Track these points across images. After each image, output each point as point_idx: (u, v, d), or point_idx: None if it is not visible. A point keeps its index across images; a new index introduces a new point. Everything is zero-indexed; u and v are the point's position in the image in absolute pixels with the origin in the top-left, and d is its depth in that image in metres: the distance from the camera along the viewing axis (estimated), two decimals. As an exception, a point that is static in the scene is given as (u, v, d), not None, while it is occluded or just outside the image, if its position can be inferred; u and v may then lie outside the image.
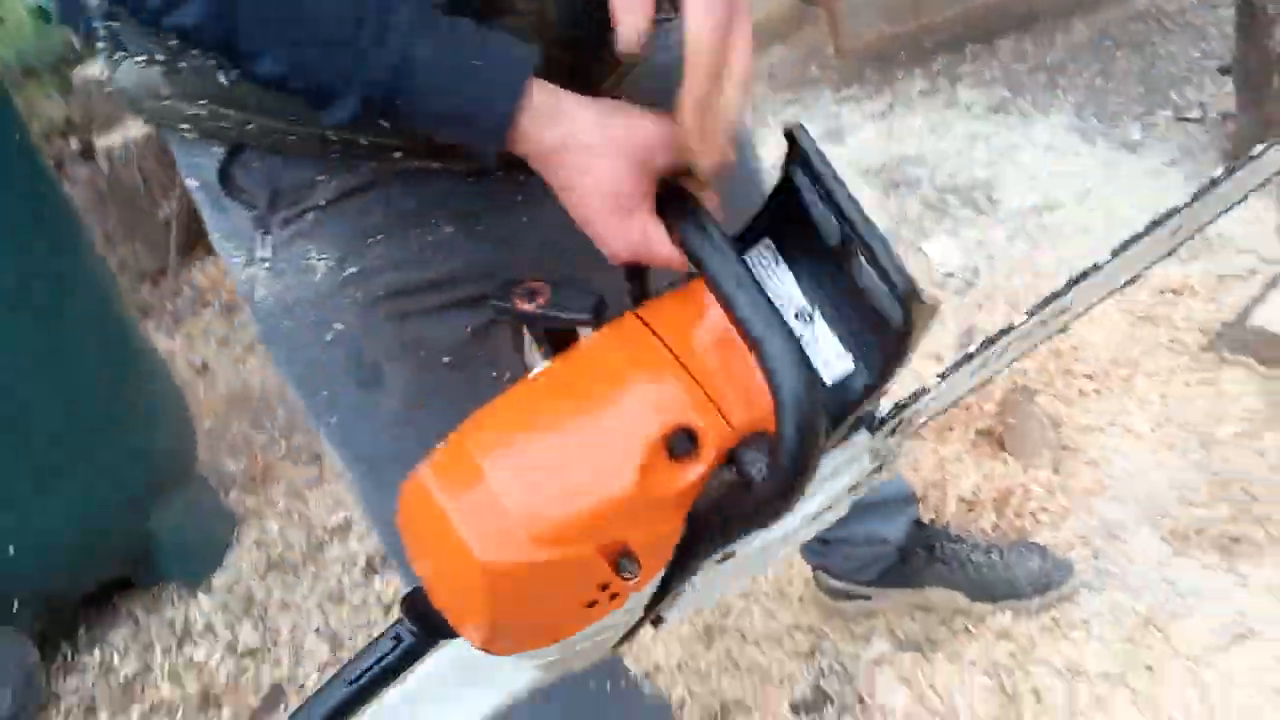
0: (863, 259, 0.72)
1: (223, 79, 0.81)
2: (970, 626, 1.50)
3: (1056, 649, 1.43)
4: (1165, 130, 2.64)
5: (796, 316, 0.77)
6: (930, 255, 2.38)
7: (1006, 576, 1.48)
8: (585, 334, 0.78)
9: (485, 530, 0.69)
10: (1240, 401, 1.73)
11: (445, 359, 0.95)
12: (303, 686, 1.81)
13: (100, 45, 0.87)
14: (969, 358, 0.94)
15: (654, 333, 0.74)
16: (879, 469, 0.88)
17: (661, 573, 0.76)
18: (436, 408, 0.90)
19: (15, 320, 1.82)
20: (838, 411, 0.75)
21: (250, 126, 0.83)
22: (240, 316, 3.33)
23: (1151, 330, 1.95)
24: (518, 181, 0.87)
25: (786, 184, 0.76)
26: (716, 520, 0.74)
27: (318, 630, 1.93)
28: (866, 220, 0.71)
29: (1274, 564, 1.45)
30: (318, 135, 0.82)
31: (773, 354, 0.67)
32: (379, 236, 0.88)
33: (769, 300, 0.70)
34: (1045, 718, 1.35)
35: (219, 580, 2.15)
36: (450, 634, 0.79)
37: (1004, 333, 0.95)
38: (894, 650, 1.51)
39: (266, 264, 0.89)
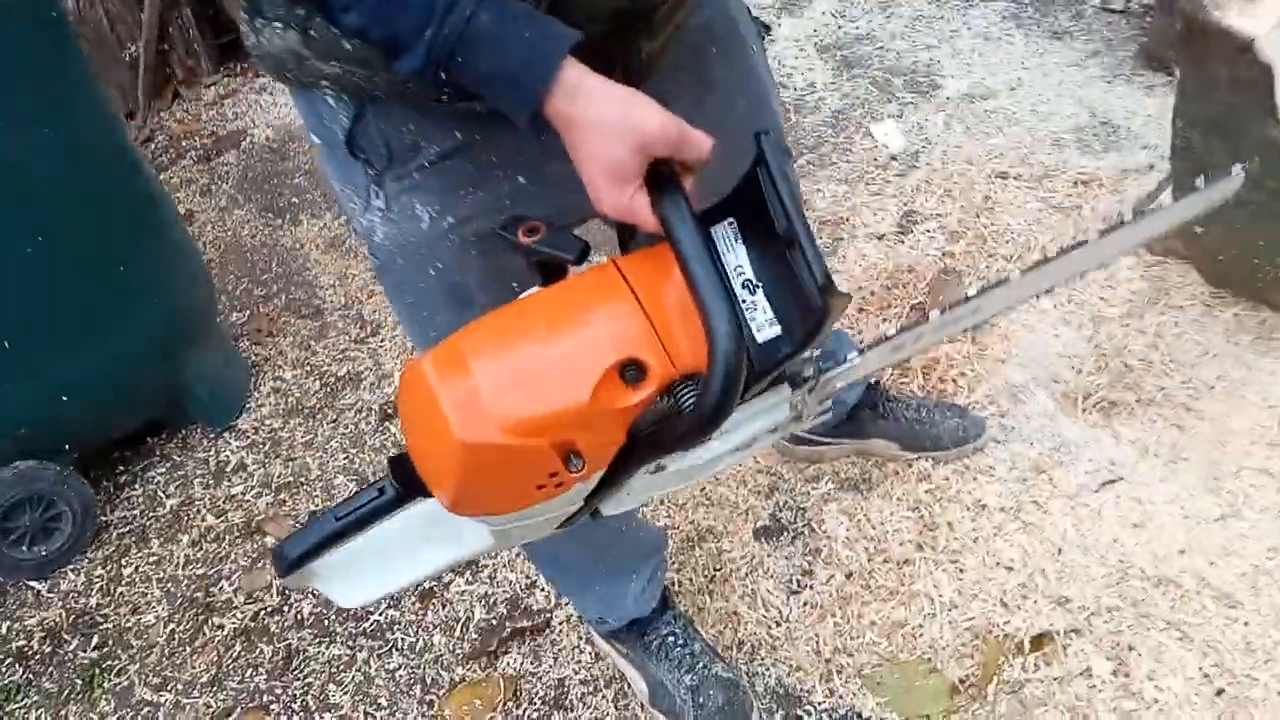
0: (798, 252, 0.85)
1: (345, 43, 0.97)
2: (898, 470, 1.86)
3: (966, 489, 1.79)
4: (1091, 20, 2.88)
5: (744, 285, 0.90)
6: (877, 138, 2.64)
7: (933, 432, 1.82)
8: (573, 272, 0.92)
9: (464, 414, 0.84)
10: (1128, 285, 2.07)
11: (514, 284, 1.20)
12: (338, 517, 2.11)
13: (243, 14, 1.05)
14: (886, 339, 1.12)
15: (626, 281, 0.88)
16: (797, 418, 1.04)
17: (601, 472, 0.91)
18: None
19: (62, 184, 2.00)
20: (763, 367, 0.89)
21: (377, 79, 0.99)
22: (222, 164, 3.47)
23: (1062, 218, 2.27)
24: None
25: (752, 176, 0.89)
26: (651, 438, 0.89)
27: (344, 468, 2.23)
28: (801, 218, 0.85)
29: (1141, 424, 1.81)
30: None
31: (713, 312, 0.82)
32: (470, 189, 1.10)
33: (719, 270, 0.84)
34: (956, 542, 1.72)
35: (243, 424, 2.41)
36: (425, 494, 0.94)
37: (918, 324, 1.13)
38: (837, 490, 1.87)
39: (380, 212, 1.11)
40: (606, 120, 0.87)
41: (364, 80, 1.00)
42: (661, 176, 0.88)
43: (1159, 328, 1.95)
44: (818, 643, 1.65)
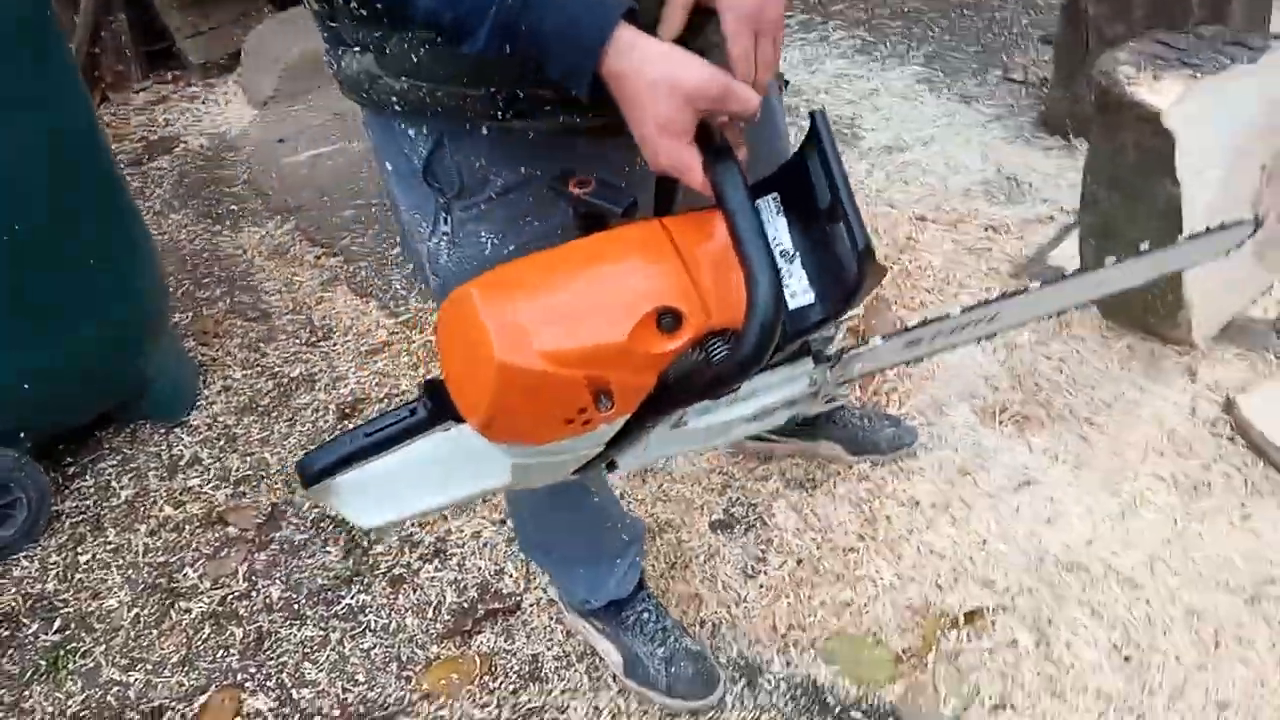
0: (840, 223, 0.92)
1: (414, 57, 1.06)
2: (840, 471, 2.05)
3: (901, 487, 2.00)
4: (995, 87, 3.22)
5: (782, 255, 0.96)
6: (807, 179, 2.87)
7: (874, 438, 2.02)
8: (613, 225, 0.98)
9: (507, 337, 0.88)
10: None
11: None
12: (302, 509, 2.18)
13: (325, 45, 1.15)
14: (907, 330, 1.22)
15: (670, 236, 0.94)
16: (814, 395, 1.13)
17: (626, 417, 0.96)
18: None
19: (42, 169, 2.02)
20: (793, 331, 0.94)
21: (439, 93, 1.08)
22: (155, 168, 3.47)
23: (975, 259, 2.53)
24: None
25: (801, 155, 0.96)
26: (681, 383, 0.94)
27: (305, 463, 2.28)
28: (849, 190, 0.91)
29: (1050, 435, 2.06)
30: (484, 96, 1.07)
31: (756, 268, 0.87)
32: (528, 219, 1.20)
33: (764, 234, 0.89)
34: (894, 533, 1.91)
35: (195, 420, 2.44)
36: (455, 418, 0.98)
37: (938, 320, 1.23)
38: (785, 487, 2.05)
39: (446, 237, 1.22)
40: (656, 75, 0.92)
41: (427, 94, 1.09)
42: (715, 144, 0.94)
43: (1063, 354, 2.21)
44: (774, 620, 1.81)
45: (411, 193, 1.23)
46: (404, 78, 1.10)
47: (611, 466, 1.11)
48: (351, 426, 1.10)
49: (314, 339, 2.64)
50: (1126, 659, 1.67)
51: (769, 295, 0.87)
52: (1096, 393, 2.12)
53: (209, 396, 2.50)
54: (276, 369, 2.56)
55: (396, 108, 1.13)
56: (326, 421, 2.39)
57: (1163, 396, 2.08)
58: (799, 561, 1.90)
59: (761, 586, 1.87)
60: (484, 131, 1.14)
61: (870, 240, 0.91)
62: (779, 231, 0.97)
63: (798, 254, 0.97)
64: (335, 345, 2.61)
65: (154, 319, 2.35)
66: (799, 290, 0.96)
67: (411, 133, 1.17)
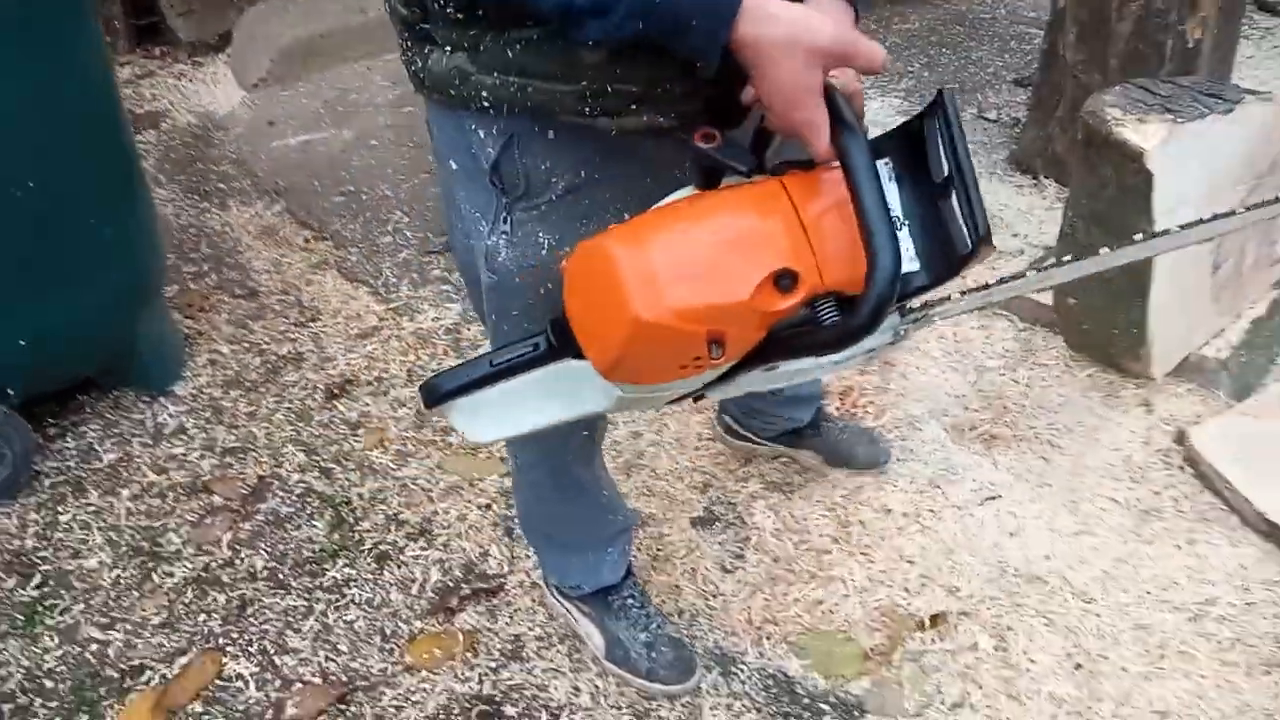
0: (954, 198, 0.96)
1: (509, 53, 1.10)
2: (816, 477, 2.14)
3: (875, 496, 2.09)
4: (970, 125, 3.35)
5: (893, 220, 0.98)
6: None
7: (851, 452, 2.11)
8: (729, 182, 1.02)
9: (643, 294, 0.95)
10: (1003, 344, 2.46)
11: None
12: (289, 482, 2.21)
13: (408, 45, 1.20)
14: (985, 287, 1.33)
15: (791, 200, 0.98)
16: (893, 343, 1.17)
17: (733, 363, 1.03)
18: None
19: (61, 121, 2.03)
20: (898, 295, 0.98)
21: (530, 88, 1.12)
22: (140, 141, 3.46)
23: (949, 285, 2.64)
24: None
25: (915, 126, 0.99)
26: (789, 341, 1.01)
27: (291, 438, 2.32)
28: (971, 168, 0.95)
29: (1015, 454, 2.17)
30: (575, 92, 1.11)
31: (879, 243, 0.92)
32: (584, 222, 1.24)
33: (888, 206, 0.93)
34: (867, 538, 2.01)
35: (180, 390, 2.46)
36: (575, 355, 1.07)
37: (1014, 277, 1.37)
38: (764, 489, 2.13)
39: (505, 236, 1.27)
40: (785, 36, 0.97)
41: (519, 90, 1.13)
42: (839, 110, 0.98)
43: (1029, 379, 2.33)
44: (749, 614, 1.89)
45: (474, 191, 1.28)
46: (496, 73, 1.13)
47: (699, 398, 1.18)
48: (474, 356, 1.21)
49: (303, 319, 2.68)
50: (1078, 666, 1.78)
51: (889, 271, 0.92)
52: (1059, 417, 2.23)
53: (194, 369, 2.52)
54: (264, 346, 2.59)
55: (484, 103, 1.16)
56: (315, 400, 2.42)
57: (1120, 425, 2.20)
58: (775, 560, 1.98)
59: (739, 581, 1.95)
60: (550, 135, 1.18)
61: (989, 225, 0.96)
62: (891, 198, 1.00)
63: (906, 222, 1.01)
64: (324, 326, 2.65)
65: (150, 282, 2.36)
66: (906, 256, 1.00)
67: (482, 133, 1.21)
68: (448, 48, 1.16)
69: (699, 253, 0.98)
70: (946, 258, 1.00)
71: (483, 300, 1.39)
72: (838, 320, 0.98)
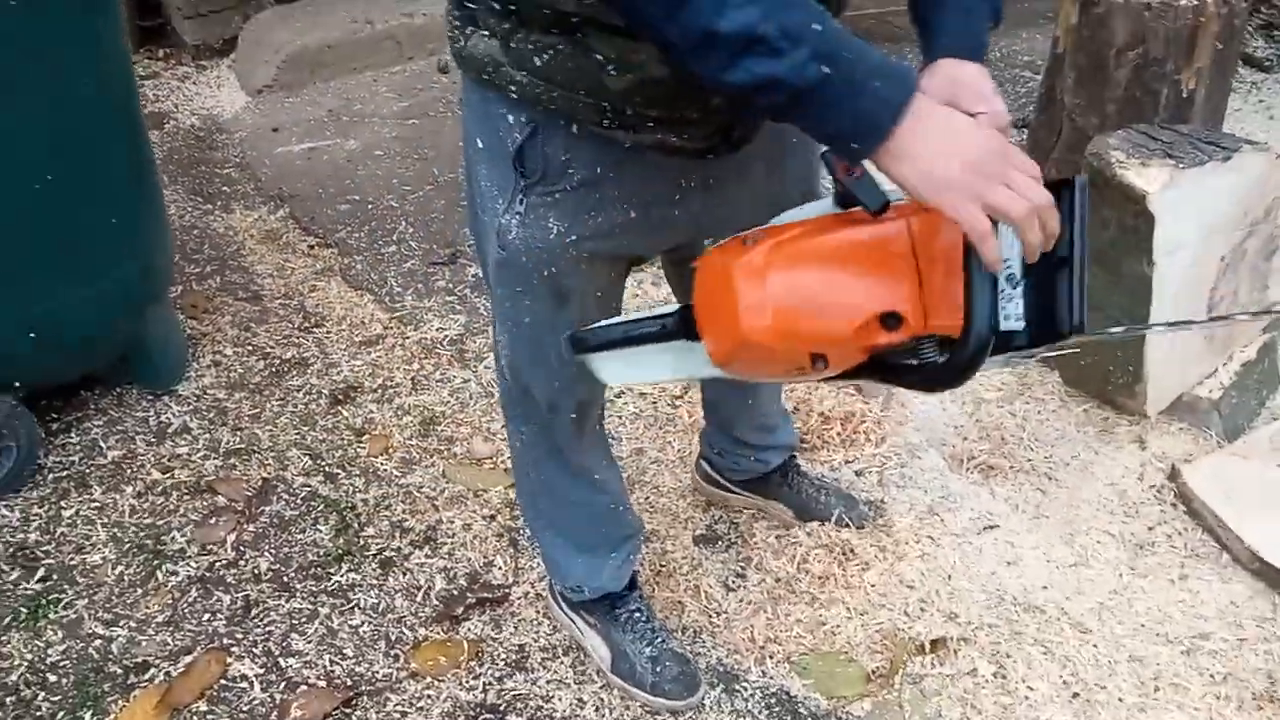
0: (1067, 277, 1.00)
1: (536, 60, 1.16)
2: (817, 502, 2.17)
3: (876, 522, 2.12)
4: (968, 163, 3.41)
5: (1008, 279, 1.02)
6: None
7: (823, 511, 2.08)
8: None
9: (752, 316, 1.04)
10: (999, 378, 2.50)
11: (598, 292, 1.44)
12: (293, 486, 2.21)
13: (454, 23, 1.25)
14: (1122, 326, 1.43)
15: (913, 243, 1.03)
16: (1003, 367, 1.28)
17: (835, 374, 1.11)
18: (590, 318, 1.39)
19: (86, 111, 2.04)
20: (996, 349, 1.02)
21: (554, 94, 1.18)
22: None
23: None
24: (700, 175, 1.34)
25: (1055, 197, 1.00)
26: (886, 371, 1.08)
27: (295, 442, 2.32)
28: (1084, 253, 1.00)
29: (1013, 485, 2.21)
30: (595, 106, 1.17)
31: (978, 311, 0.97)
32: (593, 214, 1.31)
33: (995, 279, 0.98)
34: (867, 561, 2.03)
35: (183, 390, 2.46)
36: (696, 338, 1.17)
37: (1138, 325, 1.44)
38: (765, 510, 2.16)
39: (519, 216, 1.32)
40: (942, 148, 0.98)
41: (543, 93, 1.19)
42: None
43: (1026, 412, 2.38)
44: (752, 632, 1.91)
45: (496, 170, 1.33)
46: (524, 72, 1.19)
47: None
48: (619, 320, 1.35)
49: (306, 325, 2.69)
50: (1075, 695, 1.81)
51: (983, 337, 0.97)
52: (1055, 450, 2.28)
53: (198, 370, 2.53)
54: (268, 350, 2.60)
55: (512, 94, 1.22)
56: (319, 405, 2.43)
57: (1114, 460, 2.26)
58: (777, 580, 2.01)
59: (741, 600, 1.98)
60: (573, 130, 1.24)
61: (1084, 317, 1.01)
62: (1013, 257, 1.03)
63: (1022, 282, 1.04)
64: (329, 333, 2.66)
65: (159, 278, 2.36)
66: (1013, 316, 1.04)
67: (510, 118, 1.26)
68: (486, 33, 1.21)
69: (812, 284, 1.04)
70: (1048, 331, 1.05)
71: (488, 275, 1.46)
72: (932, 362, 1.05)
